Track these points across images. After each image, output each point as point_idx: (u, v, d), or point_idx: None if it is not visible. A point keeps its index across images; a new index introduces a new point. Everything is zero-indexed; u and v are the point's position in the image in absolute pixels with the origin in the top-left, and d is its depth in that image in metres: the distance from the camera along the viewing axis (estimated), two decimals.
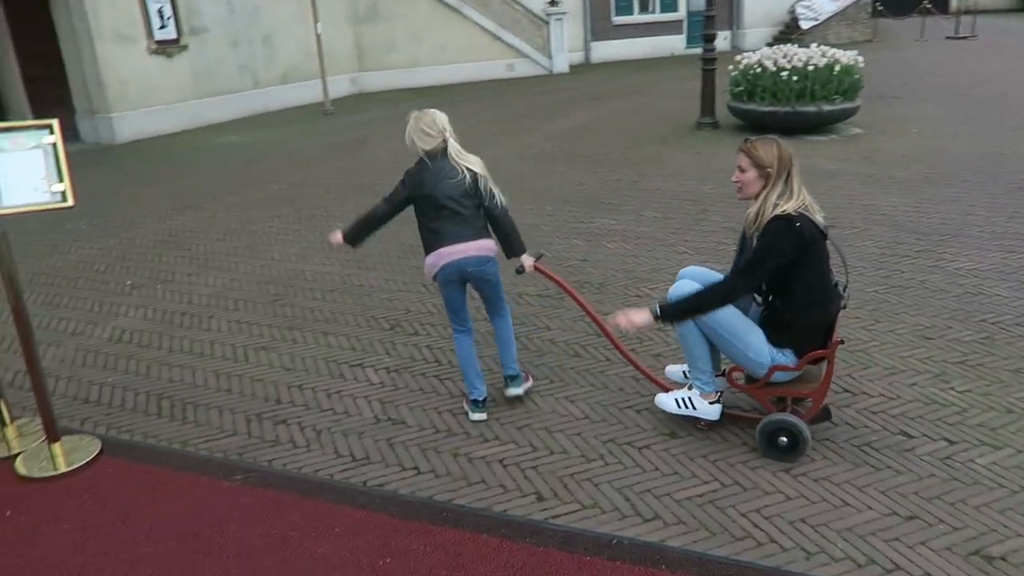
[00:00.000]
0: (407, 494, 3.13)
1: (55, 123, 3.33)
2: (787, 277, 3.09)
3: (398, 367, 4.24)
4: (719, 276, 3.37)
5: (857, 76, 9.67)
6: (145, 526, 2.99)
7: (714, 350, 3.38)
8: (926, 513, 2.87)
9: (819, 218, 3.10)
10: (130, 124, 12.74)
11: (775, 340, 3.19)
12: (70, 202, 3.26)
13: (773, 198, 3.05)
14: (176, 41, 13.55)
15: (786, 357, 3.18)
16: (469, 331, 3.73)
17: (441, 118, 3.50)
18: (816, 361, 3.23)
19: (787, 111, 9.59)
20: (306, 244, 6.57)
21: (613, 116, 12.40)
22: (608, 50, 21.17)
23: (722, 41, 21.02)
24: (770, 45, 11.22)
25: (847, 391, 3.76)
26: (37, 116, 13.35)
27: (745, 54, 10.25)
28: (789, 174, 3.06)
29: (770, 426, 3.21)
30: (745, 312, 3.28)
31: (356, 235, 3.72)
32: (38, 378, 3.38)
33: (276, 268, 5.99)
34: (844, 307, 3.28)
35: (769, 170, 3.05)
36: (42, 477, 3.34)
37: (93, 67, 12.34)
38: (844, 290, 3.27)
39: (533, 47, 18.85)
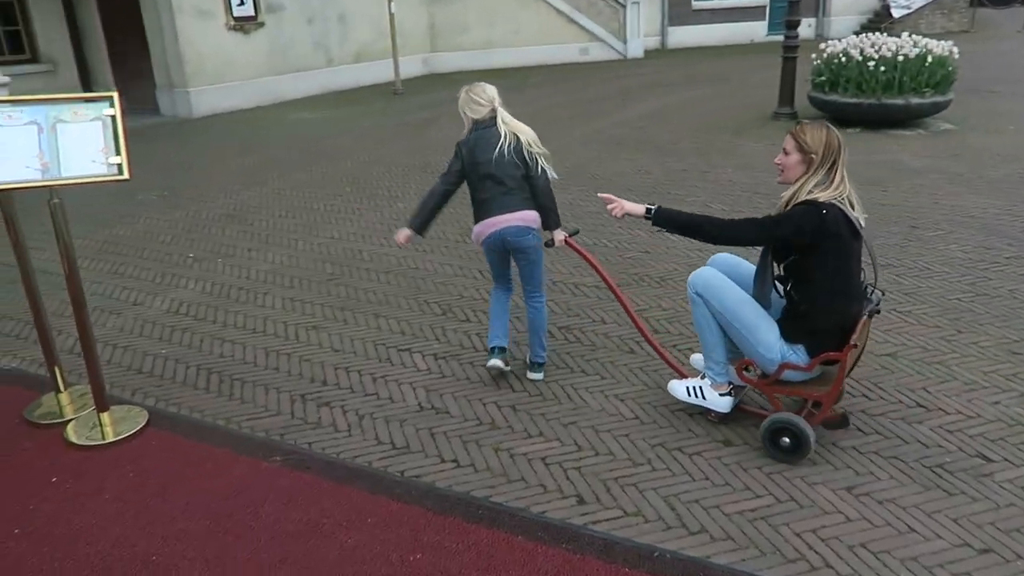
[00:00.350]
0: (444, 488, 3.04)
1: (115, 95, 3.34)
2: (806, 265, 2.99)
3: (446, 354, 4.15)
4: (751, 266, 3.28)
5: (951, 68, 9.11)
6: (182, 502, 2.98)
7: (732, 341, 3.26)
8: (1003, 547, 2.62)
9: (856, 214, 2.96)
10: (206, 99, 13.01)
11: (789, 335, 3.08)
12: (126, 175, 3.25)
13: (810, 185, 2.94)
14: (254, 18, 13.75)
15: (798, 355, 3.06)
16: (508, 289, 3.86)
17: (491, 89, 3.61)
18: (832, 363, 3.07)
19: (872, 103, 9.12)
20: (366, 224, 6.55)
21: (685, 104, 12.05)
22: (685, 35, 20.64)
23: (806, 28, 20.27)
24: (858, 34, 10.65)
25: (921, 406, 3.50)
26: (120, 89, 13.79)
27: (830, 42, 9.78)
28: (835, 163, 2.94)
29: (774, 425, 3.10)
30: (767, 307, 3.15)
31: (422, 223, 3.75)
32: (89, 348, 3.41)
33: (334, 247, 5.98)
34: (877, 312, 3.12)
35: (813, 155, 2.93)
36: (89, 445, 3.38)
37: (173, 42, 12.62)
38: (871, 294, 3.10)
39: (608, 31, 18.49)
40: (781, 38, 10.29)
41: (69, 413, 3.64)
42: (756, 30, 21.08)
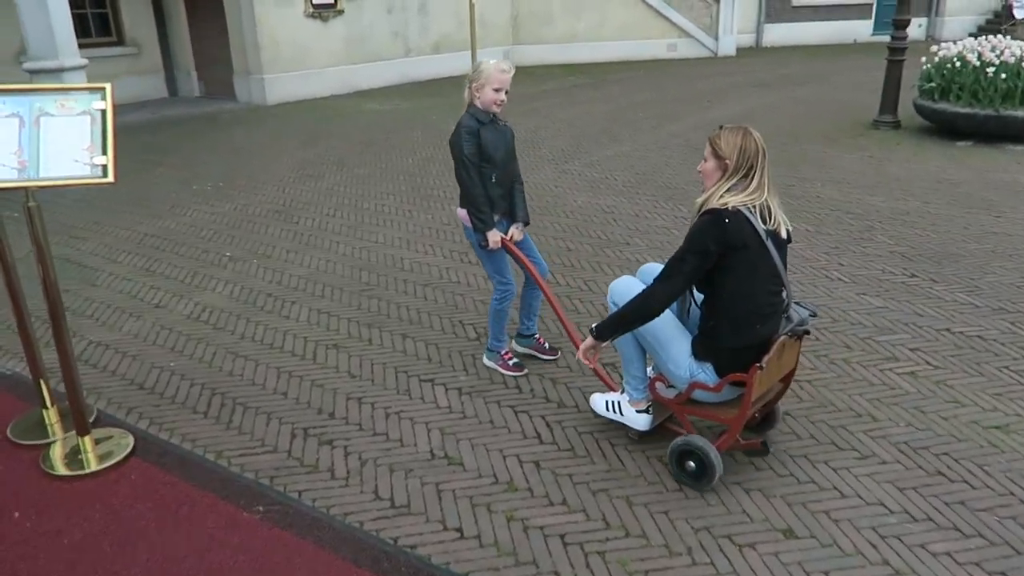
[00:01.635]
0: (439, 565, 2.57)
1: (108, 87, 2.99)
2: (712, 278, 2.80)
3: (472, 389, 3.68)
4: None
5: None
6: (143, 557, 2.61)
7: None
8: None
9: (770, 227, 2.74)
10: (281, 86, 12.91)
11: (698, 351, 2.90)
12: (110, 178, 2.90)
13: (722, 191, 2.76)
14: (333, 5, 13.58)
15: (706, 374, 2.88)
16: (529, 285, 3.80)
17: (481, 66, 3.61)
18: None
19: (988, 114, 8.18)
20: (413, 227, 6.14)
21: (776, 107, 11.20)
22: (782, 33, 19.53)
23: (916, 29, 18.87)
24: (975, 36, 9.62)
25: (1010, 493, 2.82)
26: (200, 74, 13.86)
27: (943, 45, 8.83)
28: (751, 170, 2.75)
29: (680, 447, 2.93)
30: (683, 318, 2.99)
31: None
32: (68, 365, 3.09)
33: (375, 252, 5.58)
34: (804, 332, 2.93)
35: (727, 161, 2.77)
36: (65, 475, 3.05)
37: (251, 28, 12.55)
38: (786, 312, 2.86)
39: (699, 27, 17.62)
40: (887, 38, 9.37)
41: (58, 433, 3.34)
42: (860, 29, 19.78)
